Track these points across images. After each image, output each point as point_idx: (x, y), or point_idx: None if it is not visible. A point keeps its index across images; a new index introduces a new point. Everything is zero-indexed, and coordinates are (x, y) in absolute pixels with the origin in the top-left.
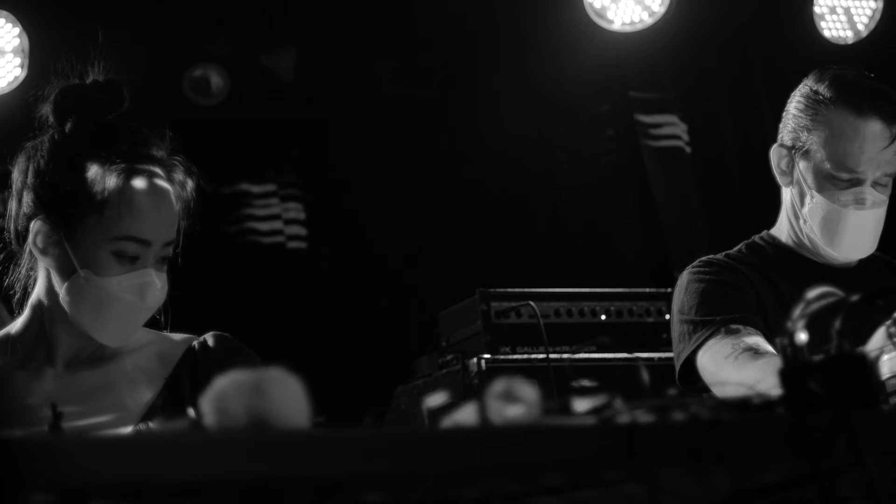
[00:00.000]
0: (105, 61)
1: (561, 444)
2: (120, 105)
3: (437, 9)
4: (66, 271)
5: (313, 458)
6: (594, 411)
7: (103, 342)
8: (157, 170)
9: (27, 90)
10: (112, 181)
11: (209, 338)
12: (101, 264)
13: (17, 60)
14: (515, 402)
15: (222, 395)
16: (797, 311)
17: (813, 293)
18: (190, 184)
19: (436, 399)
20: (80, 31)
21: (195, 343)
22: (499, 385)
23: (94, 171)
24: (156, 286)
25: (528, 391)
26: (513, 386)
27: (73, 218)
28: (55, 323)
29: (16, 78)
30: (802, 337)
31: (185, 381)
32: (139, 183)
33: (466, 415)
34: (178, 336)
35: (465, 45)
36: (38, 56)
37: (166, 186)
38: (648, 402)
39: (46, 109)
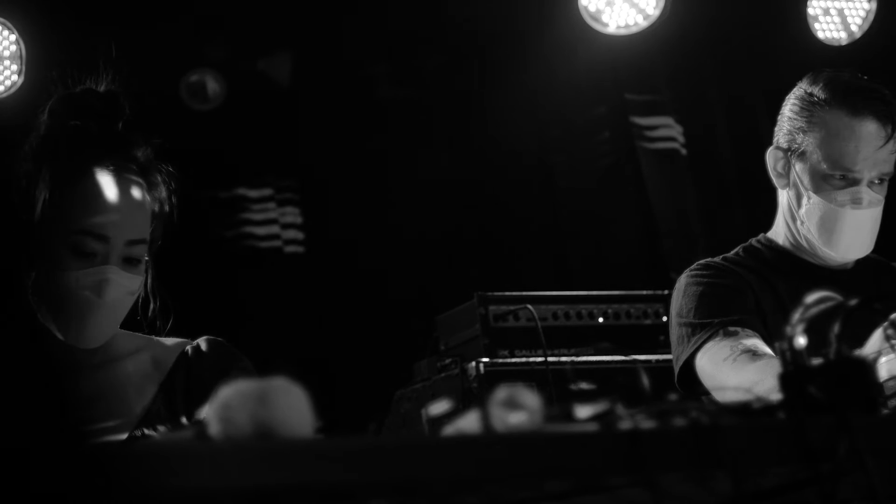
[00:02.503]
0: (101, 68)
1: (563, 450)
2: (119, 116)
3: (433, 13)
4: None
5: (318, 466)
6: (596, 417)
7: (68, 341)
8: (130, 172)
9: (24, 96)
10: (74, 177)
11: (202, 342)
12: (60, 259)
13: (14, 67)
14: (518, 409)
15: (227, 405)
16: (796, 316)
17: (812, 297)
18: (164, 191)
19: (437, 407)
20: (77, 37)
21: (188, 348)
22: (501, 392)
23: (56, 168)
24: (116, 283)
25: (530, 398)
26: (515, 393)
27: (39, 214)
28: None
29: (13, 84)
30: (802, 341)
31: (178, 385)
32: (99, 179)
33: (469, 422)
34: (170, 340)
35: (461, 49)
36: (35, 62)
37: (135, 187)
38: (650, 407)
39: (43, 119)
